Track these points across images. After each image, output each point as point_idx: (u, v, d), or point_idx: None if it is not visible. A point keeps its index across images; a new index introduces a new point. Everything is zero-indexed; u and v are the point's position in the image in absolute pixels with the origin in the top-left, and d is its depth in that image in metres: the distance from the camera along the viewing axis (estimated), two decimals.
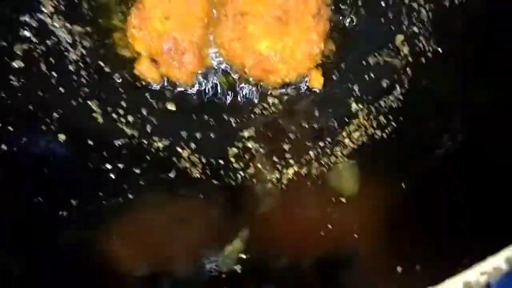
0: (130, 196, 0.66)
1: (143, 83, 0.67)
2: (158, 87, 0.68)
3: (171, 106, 0.68)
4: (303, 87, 0.69)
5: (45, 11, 0.65)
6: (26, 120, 0.64)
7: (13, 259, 0.62)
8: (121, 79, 0.67)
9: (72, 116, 0.65)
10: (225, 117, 0.68)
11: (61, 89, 0.65)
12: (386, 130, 0.68)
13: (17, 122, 0.63)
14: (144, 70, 0.67)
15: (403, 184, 0.65)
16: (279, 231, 0.67)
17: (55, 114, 0.65)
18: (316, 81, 0.68)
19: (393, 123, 0.68)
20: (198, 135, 0.68)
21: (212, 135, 0.68)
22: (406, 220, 0.65)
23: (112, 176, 0.66)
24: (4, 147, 0.63)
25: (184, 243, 0.67)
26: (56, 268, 0.64)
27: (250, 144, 0.68)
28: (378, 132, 0.68)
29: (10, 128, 0.63)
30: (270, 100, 0.69)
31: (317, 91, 0.68)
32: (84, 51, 0.66)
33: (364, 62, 0.68)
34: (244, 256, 0.67)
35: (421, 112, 0.67)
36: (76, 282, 0.64)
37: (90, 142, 0.65)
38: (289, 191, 0.67)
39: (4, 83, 0.63)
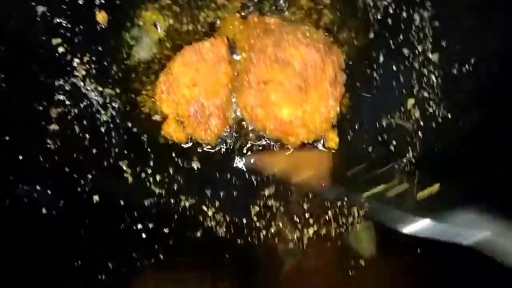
0: (161, 256, 0.69)
1: (170, 143, 0.70)
2: (184, 147, 0.71)
3: (196, 165, 0.71)
4: (320, 147, 0.72)
5: (78, 75, 0.69)
6: (64, 183, 0.67)
7: None
8: (149, 140, 0.70)
9: (104, 176, 0.69)
10: (247, 175, 0.71)
11: (93, 150, 0.69)
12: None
13: (55, 185, 0.67)
14: (171, 131, 0.70)
15: (418, 249, 0.68)
16: None
17: (88, 175, 0.68)
18: (332, 141, 0.71)
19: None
20: (222, 193, 0.71)
21: (235, 193, 0.71)
22: (423, 284, 0.67)
23: (144, 236, 0.69)
24: (44, 211, 0.66)
25: None
26: None
27: (270, 203, 0.71)
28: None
29: (49, 192, 0.66)
30: None
31: (333, 150, 0.71)
32: (114, 113, 0.70)
33: (377, 124, 0.71)
34: None
35: (433, 175, 0.70)
36: None
37: (122, 203, 0.69)
38: (309, 251, 0.70)
39: (42, 147, 0.67)
